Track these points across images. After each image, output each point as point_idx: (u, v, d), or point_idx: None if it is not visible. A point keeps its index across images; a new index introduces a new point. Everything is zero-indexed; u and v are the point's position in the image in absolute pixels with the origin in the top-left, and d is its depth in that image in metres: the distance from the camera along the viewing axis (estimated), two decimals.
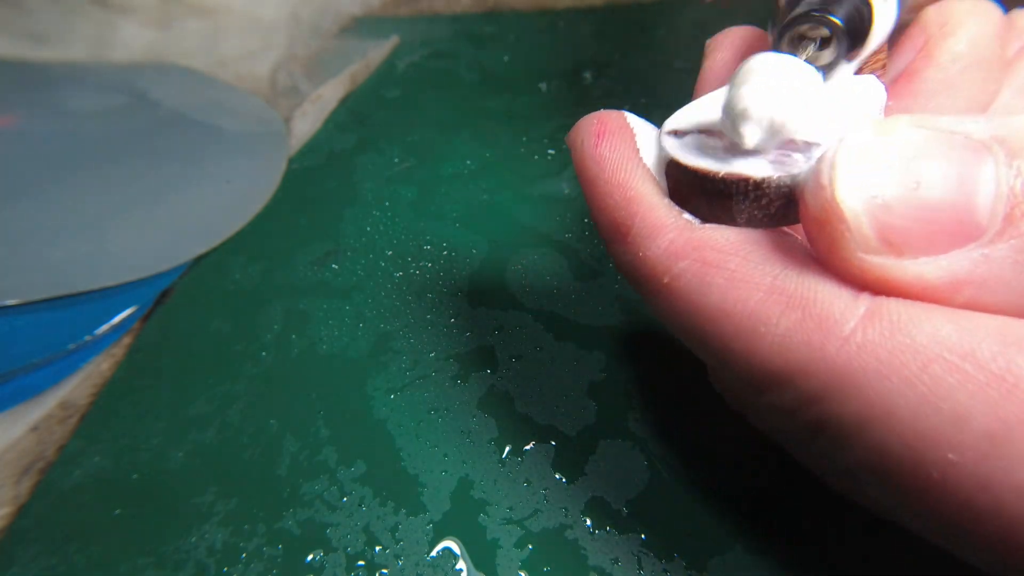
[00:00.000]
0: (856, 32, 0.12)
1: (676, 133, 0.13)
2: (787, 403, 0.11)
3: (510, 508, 0.17)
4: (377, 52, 0.37)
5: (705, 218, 0.12)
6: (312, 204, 0.28)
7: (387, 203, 0.28)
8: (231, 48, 0.38)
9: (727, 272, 0.11)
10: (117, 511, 0.18)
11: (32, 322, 0.23)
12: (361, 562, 0.17)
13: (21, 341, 0.22)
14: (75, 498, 0.19)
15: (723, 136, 0.12)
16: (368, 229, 0.27)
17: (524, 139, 0.30)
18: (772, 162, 0.11)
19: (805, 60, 0.11)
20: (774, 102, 0.10)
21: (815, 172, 0.10)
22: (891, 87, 0.13)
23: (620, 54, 0.35)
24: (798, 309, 0.10)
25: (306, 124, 0.32)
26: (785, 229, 0.12)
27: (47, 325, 0.23)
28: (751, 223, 0.11)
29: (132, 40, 0.37)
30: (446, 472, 0.18)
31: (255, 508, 0.18)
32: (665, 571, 0.16)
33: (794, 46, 0.12)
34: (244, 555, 0.17)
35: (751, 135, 0.11)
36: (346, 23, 0.41)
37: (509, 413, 0.19)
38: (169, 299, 0.25)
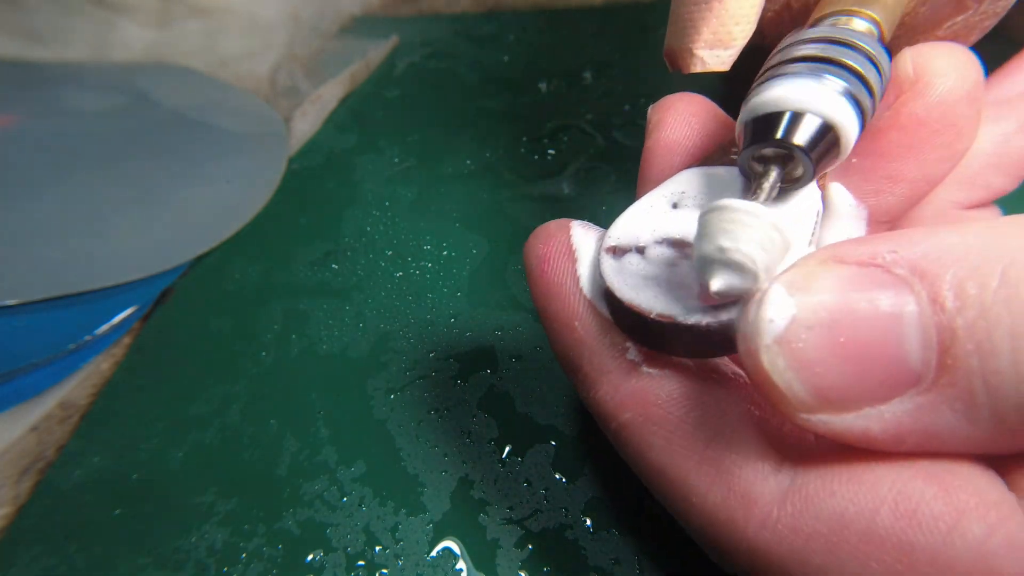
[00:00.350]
0: (822, 152, 0.12)
1: (615, 251, 0.12)
2: (732, 568, 0.11)
3: (510, 508, 0.17)
4: (377, 52, 0.37)
5: (646, 345, 0.12)
6: (312, 204, 0.28)
7: (387, 203, 0.28)
8: (231, 48, 0.38)
9: (665, 433, 0.11)
10: (117, 511, 0.18)
11: (32, 322, 0.23)
12: (361, 562, 0.17)
13: (21, 341, 0.22)
14: (75, 498, 0.19)
15: (666, 249, 0.12)
16: (368, 229, 0.27)
17: (524, 139, 0.30)
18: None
19: (774, 181, 0.12)
20: (758, 258, 0.10)
21: (740, 338, 0.09)
22: (859, 141, 0.13)
23: (620, 54, 0.35)
24: (724, 485, 0.10)
25: (306, 124, 0.32)
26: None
27: (47, 325, 0.23)
28: (689, 355, 0.11)
29: (132, 40, 0.37)
30: (446, 472, 0.18)
31: (255, 508, 0.18)
32: (665, 571, 0.16)
33: (759, 167, 0.12)
34: (244, 555, 0.17)
35: (727, 286, 0.10)
36: (346, 23, 0.41)
37: (509, 413, 0.19)
38: (169, 299, 0.25)
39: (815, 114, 0.11)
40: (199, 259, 0.26)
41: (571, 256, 0.13)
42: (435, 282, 0.24)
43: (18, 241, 0.25)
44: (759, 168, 0.12)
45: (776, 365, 0.09)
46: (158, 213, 0.27)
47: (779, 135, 0.11)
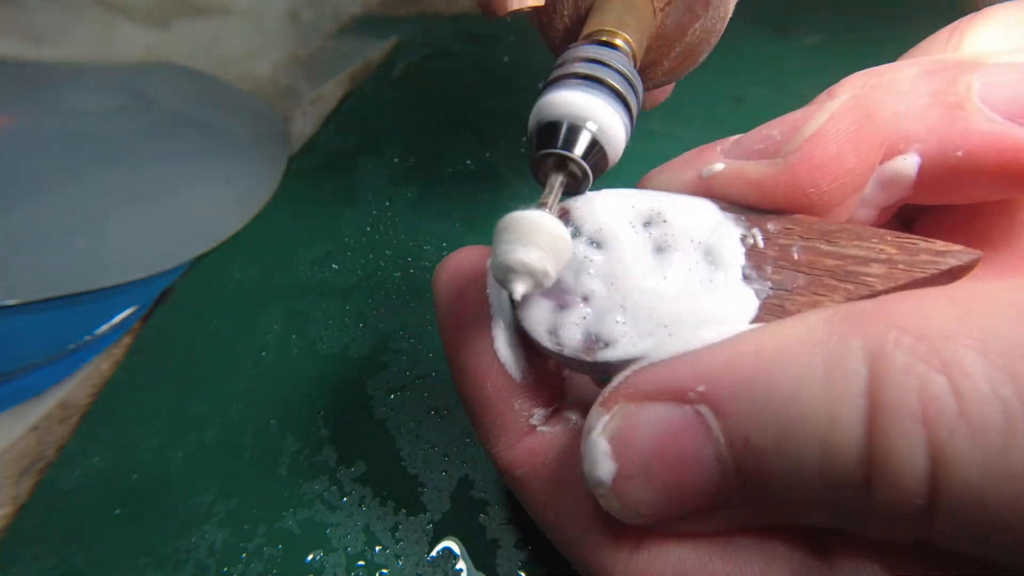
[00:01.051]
0: (595, 159, 0.13)
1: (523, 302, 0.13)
2: None
3: (510, 508, 0.17)
4: (377, 52, 0.37)
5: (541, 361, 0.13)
6: (312, 204, 0.28)
7: (387, 203, 0.28)
8: (231, 48, 0.38)
9: (547, 488, 0.13)
10: (117, 511, 0.18)
11: (32, 322, 0.23)
12: (361, 562, 0.17)
13: (21, 341, 0.22)
14: (75, 498, 0.19)
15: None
16: (368, 229, 0.27)
17: (524, 139, 0.30)
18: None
19: (558, 187, 0.13)
20: (535, 258, 0.11)
21: (584, 482, 0.11)
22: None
23: None
24: (594, 534, 0.12)
25: (306, 124, 0.32)
26: None
27: (47, 325, 0.23)
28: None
29: (132, 40, 0.37)
30: (446, 472, 0.18)
31: (255, 508, 0.18)
32: None
33: (547, 172, 0.13)
34: (244, 555, 0.17)
35: (521, 288, 0.11)
36: (346, 23, 0.41)
37: None
38: (169, 299, 0.25)
39: (588, 126, 0.13)
40: (199, 259, 0.26)
41: (484, 310, 0.13)
42: None
43: (18, 241, 0.25)
44: (545, 174, 0.13)
45: (613, 507, 0.11)
46: (158, 213, 0.27)
47: (559, 144, 0.13)
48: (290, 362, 0.22)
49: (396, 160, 0.30)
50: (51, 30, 0.37)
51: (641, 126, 0.30)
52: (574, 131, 0.13)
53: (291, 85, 0.36)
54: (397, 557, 0.17)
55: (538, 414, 0.13)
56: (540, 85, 0.14)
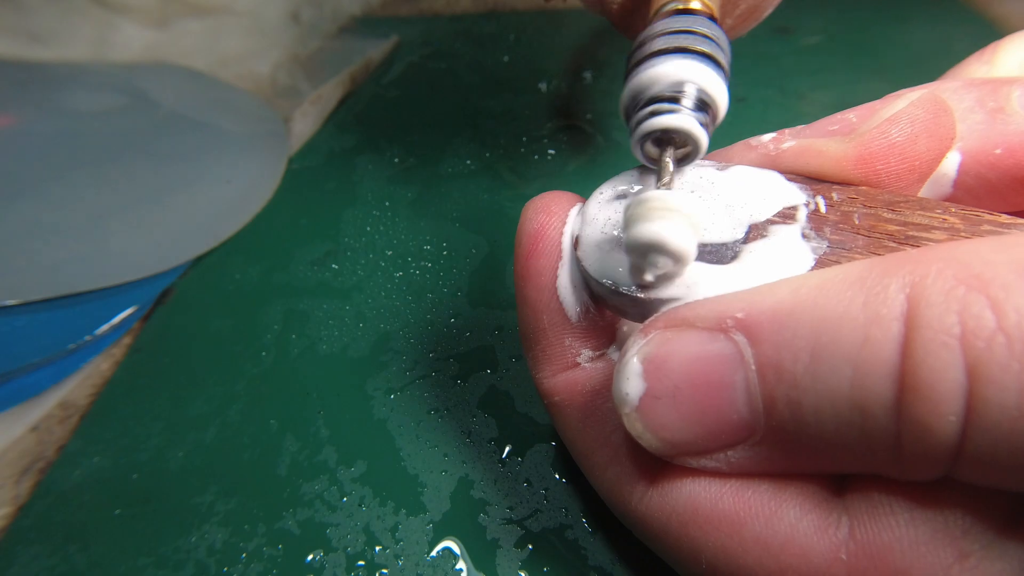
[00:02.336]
0: (705, 120, 0.13)
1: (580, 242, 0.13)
2: (630, 527, 0.14)
3: (510, 508, 0.17)
4: (377, 52, 0.37)
5: (619, 313, 0.13)
6: (312, 204, 0.28)
7: (387, 203, 0.28)
8: (231, 48, 0.38)
9: (581, 416, 0.14)
10: (117, 511, 0.18)
11: (32, 322, 0.23)
12: (361, 562, 0.17)
13: (21, 341, 0.22)
14: (75, 498, 0.19)
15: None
16: (368, 229, 0.27)
17: (524, 139, 0.30)
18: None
19: (673, 163, 0.12)
20: (684, 238, 0.11)
21: (613, 401, 0.11)
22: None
23: (620, 54, 0.35)
24: (617, 465, 0.13)
25: (306, 124, 0.32)
26: None
27: (47, 325, 0.23)
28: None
29: (132, 40, 0.37)
30: (446, 472, 0.18)
31: (255, 508, 0.18)
32: (666, 571, 0.16)
33: (654, 151, 0.13)
34: (244, 555, 0.17)
35: (662, 266, 0.11)
36: (346, 23, 0.41)
37: (509, 413, 0.19)
38: (169, 299, 0.25)
39: (691, 94, 0.12)
40: (199, 259, 0.26)
41: (556, 251, 0.14)
42: (435, 282, 0.24)
43: (18, 241, 0.25)
44: (654, 152, 0.13)
45: (635, 428, 0.11)
46: (158, 213, 0.27)
47: (663, 119, 0.12)
48: (290, 362, 0.22)
49: (396, 160, 0.30)
50: (51, 30, 0.37)
51: None
52: (675, 100, 0.12)
53: (291, 85, 0.36)
54: (397, 557, 0.17)
55: (585, 354, 0.14)
56: (627, 68, 0.14)
